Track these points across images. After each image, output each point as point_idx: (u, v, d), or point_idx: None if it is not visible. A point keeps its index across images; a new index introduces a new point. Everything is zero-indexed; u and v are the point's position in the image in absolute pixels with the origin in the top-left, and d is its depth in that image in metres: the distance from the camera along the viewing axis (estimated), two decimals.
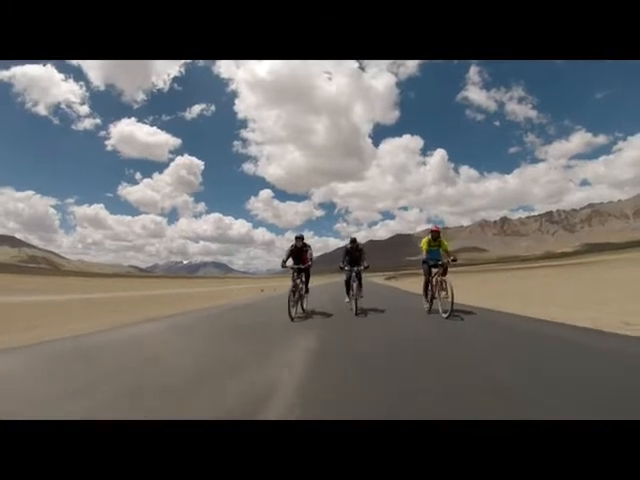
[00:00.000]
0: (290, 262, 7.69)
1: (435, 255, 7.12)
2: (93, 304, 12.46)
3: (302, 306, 7.72)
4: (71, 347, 4.42)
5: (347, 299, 7.92)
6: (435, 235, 7.12)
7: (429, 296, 7.10)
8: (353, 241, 8.17)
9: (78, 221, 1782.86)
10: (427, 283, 7.14)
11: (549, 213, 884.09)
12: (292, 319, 6.70)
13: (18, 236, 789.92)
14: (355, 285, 7.54)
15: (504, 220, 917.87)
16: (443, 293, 6.48)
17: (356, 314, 7.04)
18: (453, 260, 6.91)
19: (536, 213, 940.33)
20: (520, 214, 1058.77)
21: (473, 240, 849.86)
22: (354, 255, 8.09)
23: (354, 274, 7.67)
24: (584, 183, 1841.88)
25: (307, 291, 7.97)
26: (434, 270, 6.97)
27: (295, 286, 7.26)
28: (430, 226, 7.56)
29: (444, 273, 6.71)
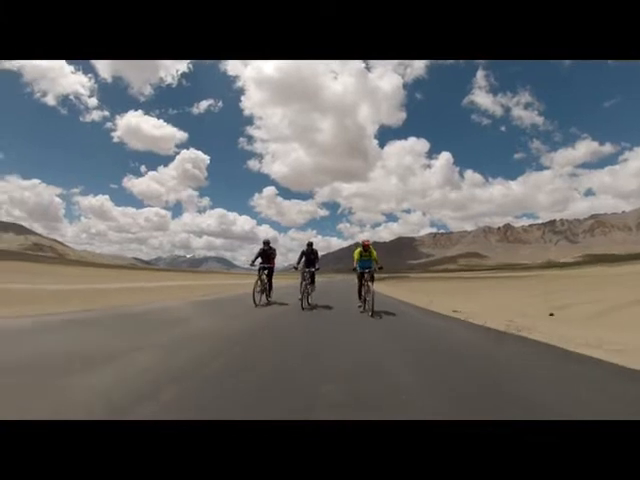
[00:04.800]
0: (259, 261, 9.20)
1: (366, 264, 8.18)
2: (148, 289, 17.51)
3: (267, 297, 9.14)
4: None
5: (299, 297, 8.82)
6: (365, 247, 8.23)
7: (362, 297, 8.22)
8: (309, 244, 9.17)
9: (83, 211, 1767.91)
10: (360, 287, 8.33)
11: (552, 222, 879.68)
12: (256, 305, 8.00)
13: (23, 224, 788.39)
14: (305, 284, 8.59)
15: (507, 227, 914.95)
16: (369, 296, 7.60)
17: (302, 308, 8.09)
18: (380, 268, 8.29)
19: (540, 221, 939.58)
20: (524, 221, 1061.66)
21: (476, 246, 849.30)
22: (309, 257, 9.04)
23: (307, 274, 8.71)
24: (589, 193, 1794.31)
25: (271, 287, 9.36)
26: (365, 276, 8.02)
27: (260, 280, 8.82)
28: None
29: (372, 279, 7.95)
